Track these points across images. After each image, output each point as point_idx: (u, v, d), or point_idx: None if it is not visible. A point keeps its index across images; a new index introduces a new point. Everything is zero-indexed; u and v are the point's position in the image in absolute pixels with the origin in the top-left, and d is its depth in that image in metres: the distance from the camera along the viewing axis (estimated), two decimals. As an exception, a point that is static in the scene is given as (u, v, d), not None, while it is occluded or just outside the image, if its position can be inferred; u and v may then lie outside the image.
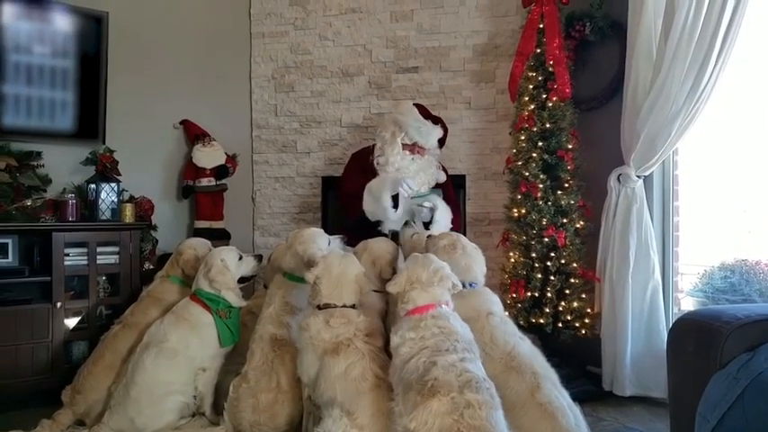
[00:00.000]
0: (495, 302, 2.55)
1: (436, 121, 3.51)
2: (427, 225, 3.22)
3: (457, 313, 2.17)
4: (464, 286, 2.36)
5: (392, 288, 2.19)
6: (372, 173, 3.39)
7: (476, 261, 2.63)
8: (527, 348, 2.36)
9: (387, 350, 2.24)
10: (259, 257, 2.96)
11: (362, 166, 3.48)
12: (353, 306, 2.35)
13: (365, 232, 3.00)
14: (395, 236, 3.24)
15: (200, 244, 3.05)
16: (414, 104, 3.53)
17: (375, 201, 3.22)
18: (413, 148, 3.40)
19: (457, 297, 2.27)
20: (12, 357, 2.93)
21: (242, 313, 2.93)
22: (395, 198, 3.22)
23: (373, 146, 3.50)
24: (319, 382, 2.23)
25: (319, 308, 2.32)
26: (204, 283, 2.72)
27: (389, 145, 3.37)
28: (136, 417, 2.50)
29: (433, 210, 3.22)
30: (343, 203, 3.55)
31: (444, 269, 2.21)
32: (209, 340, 2.66)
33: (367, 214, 3.26)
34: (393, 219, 3.23)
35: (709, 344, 1.62)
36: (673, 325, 1.84)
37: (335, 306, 2.31)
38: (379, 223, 3.27)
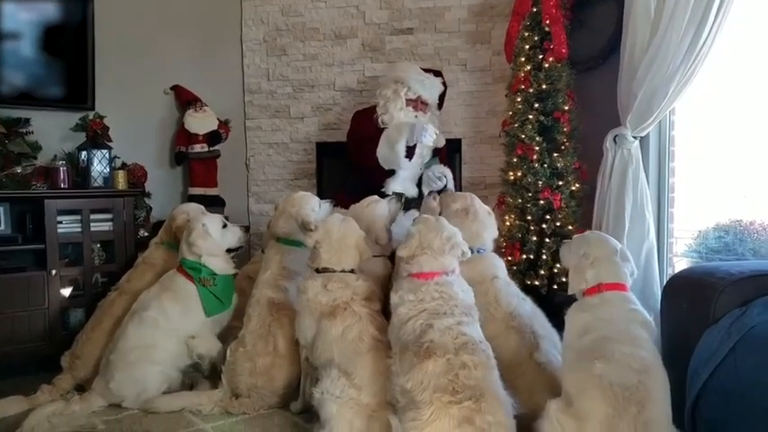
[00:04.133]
0: (499, 267, 2.56)
1: (436, 74, 3.47)
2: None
3: (462, 278, 2.18)
4: (472, 252, 2.35)
5: (403, 252, 2.17)
6: (378, 131, 3.31)
7: (486, 227, 2.61)
8: (528, 309, 2.39)
9: (385, 313, 2.26)
10: (246, 228, 2.91)
11: (369, 121, 3.38)
12: (352, 271, 2.35)
13: (368, 192, 2.92)
14: (400, 197, 3.21)
15: (194, 209, 3.03)
16: None
17: (390, 147, 3.15)
18: (416, 104, 3.34)
19: (463, 262, 2.26)
20: (8, 325, 2.92)
21: (239, 279, 2.93)
22: (410, 149, 3.16)
23: (375, 105, 3.42)
24: (317, 344, 2.25)
25: (318, 271, 2.33)
26: (186, 251, 2.68)
27: (392, 101, 3.30)
28: (110, 381, 2.50)
29: (443, 178, 3.23)
30: (354, 150, 3.43)
31: (456, 237, 2.18)
32: (194, 310, 2.63)
33: (380, 160, 3.20)
34: (405, 168, 3.18)
35: (704, 299, 1.63)
36: (668, 281, 1.86)
37: (334, 271, 2.32)
38: (382, 185, 3.21)
